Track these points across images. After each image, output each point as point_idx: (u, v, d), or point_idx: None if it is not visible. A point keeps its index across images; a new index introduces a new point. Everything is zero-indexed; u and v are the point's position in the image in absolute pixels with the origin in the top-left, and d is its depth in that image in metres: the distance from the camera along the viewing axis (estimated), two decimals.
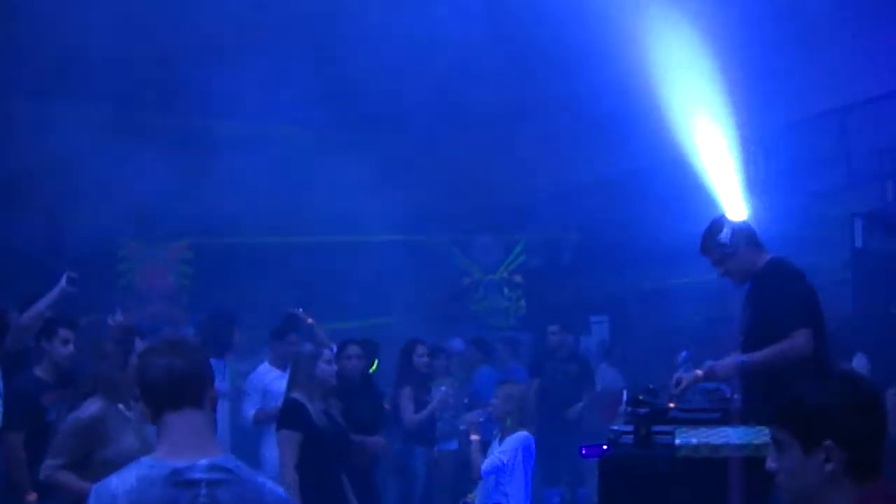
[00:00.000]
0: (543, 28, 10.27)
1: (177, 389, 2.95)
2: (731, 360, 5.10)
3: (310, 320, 8.46)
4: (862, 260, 8.61)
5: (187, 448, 2.90)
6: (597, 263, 12.30)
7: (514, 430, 6.51)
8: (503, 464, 6.41)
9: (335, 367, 6.48)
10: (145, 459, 2.94)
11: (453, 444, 9.03)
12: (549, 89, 11.37)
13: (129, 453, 4.37)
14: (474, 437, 6.62)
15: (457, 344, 10.84)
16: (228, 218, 11.86)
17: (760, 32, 9.62)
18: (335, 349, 7.40)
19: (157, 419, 2.96)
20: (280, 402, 6.58)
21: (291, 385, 6.33)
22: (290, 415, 6.15)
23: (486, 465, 6.44)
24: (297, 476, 5.92)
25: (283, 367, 7.87)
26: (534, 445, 6.63)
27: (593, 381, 10.12)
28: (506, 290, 12.74)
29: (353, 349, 7.75)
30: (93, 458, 4.90)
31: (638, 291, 12.24)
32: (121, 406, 5.11)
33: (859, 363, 7.97)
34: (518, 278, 12.72)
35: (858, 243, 8.47)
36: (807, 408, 2.51)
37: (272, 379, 8.02)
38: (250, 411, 8.02)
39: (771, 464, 2.60)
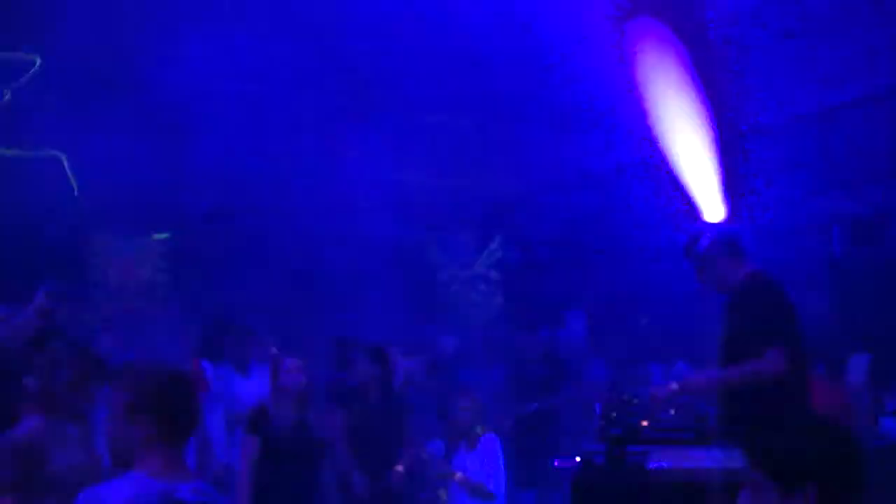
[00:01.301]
0: (524, 21, 10.23)
1: (191, 422, 3.18)
2: (704, 376, 5.09)
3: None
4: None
5: (173, 470, 3.05)
6: (574, 260, 12.23)
7: (481, 434, 6.51)
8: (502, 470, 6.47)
9: (302, 376, 6.36)
10: (137, 475, 3.04)
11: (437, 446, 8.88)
12: (526, 82, 11.32)
13: (75, 471, 4.25)
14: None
15: (449, 342, 10.75)
16: (206, 210, 11.80)
17: (745, 31, 9.58)
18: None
19: (149, 441, 3.06)
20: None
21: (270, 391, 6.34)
22: (252, 419, 6.17)
23: (494, 484, 6.42)
24: (256, 480, 5.92)
25: (244, 372, 7.85)
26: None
27: (569, 380, 10.02)
28: (482, 286, 12.66)
29: (360, 357, 7.47)
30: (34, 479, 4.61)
31: (616, 289, 12.19)
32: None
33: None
34: (494, 274, 12.64)
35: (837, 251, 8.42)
36: (788, 455, 2.48)
37: (235, 384, 7.92)
38: (215, 416, 7.89)
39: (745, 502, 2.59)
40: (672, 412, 4.90)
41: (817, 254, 8.95)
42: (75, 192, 11.17)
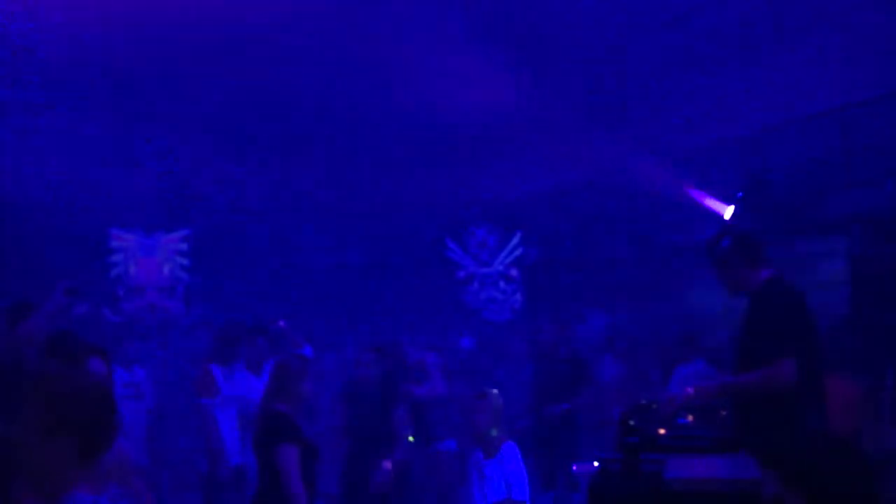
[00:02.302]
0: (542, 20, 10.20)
1: (111, 440, 2.85)
2: (716, 382, 5.11)
3: (281, 322, 8.34)
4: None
5: (93, 482, 3.01)
6: (594, 258, 12.21)
7: (500, 441, 6.51)
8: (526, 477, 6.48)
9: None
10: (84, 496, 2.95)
11: (452, 444, 8.90)
12: (546, 81, 11.29)
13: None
14: None
15: (466, 342, 10.77)
16: (225, 209, 11.86)
17: (760, 27, 9.53)
18: (309, 351, 7.40)
19: (69, 463, 2.75)
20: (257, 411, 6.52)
21: (276, 396, 6.22)
22: (284, 428, 6.07)
23: (519, 492, 6.44)
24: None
25: (256, 372, 7.86)
26: None
27: (590, 380, 9.97)
28: (502, 284, 12.67)
29: (367, 356, 7.71)
30: None
31: (635, 286, 12.16)
32: None
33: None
34: (514, 272, 12.65)
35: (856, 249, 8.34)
36: (825, 477, 2.51)
37: (249, 385, 7.92)
38: (228, 418, 7.90)
39: None
40: (690, 418, 4.88)
41: (837, 253, 8.88)
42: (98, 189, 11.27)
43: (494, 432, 6.55)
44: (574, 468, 4.71)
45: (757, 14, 8.83)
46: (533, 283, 12.78)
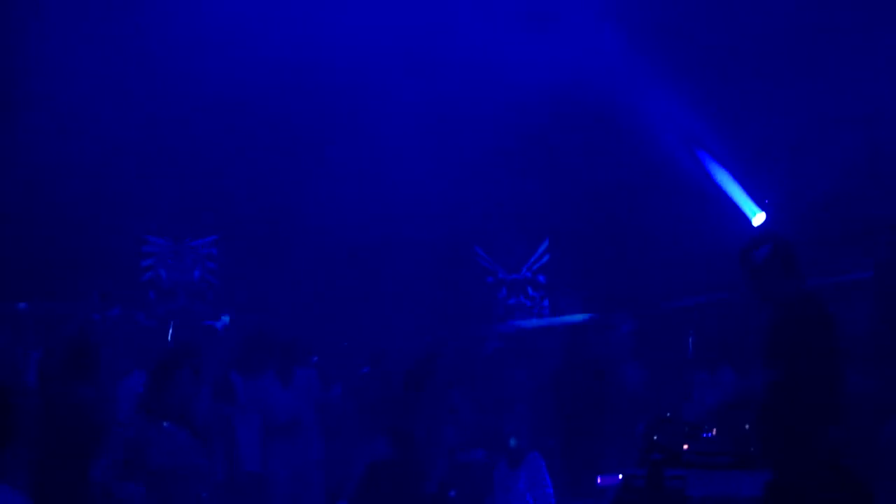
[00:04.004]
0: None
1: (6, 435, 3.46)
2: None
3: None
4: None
5: None
6: (622, 265, 12.18)
7: (525, 451, 6.55)
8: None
9: None
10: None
11: (479, 454, 8.86)
12: (575, 87, 11.33)
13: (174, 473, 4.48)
14: None
15: (489, 347, 10.78)
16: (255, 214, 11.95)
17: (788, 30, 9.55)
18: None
19: None
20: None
21: None
22: None
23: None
24: None
25: (285, 382, 7.93)
26: None
27: (615, 389, 9.94)
28: (530, 290, 12.68)
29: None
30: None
31: (664, 292, 12.13)
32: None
33: None
34: (542, 278, 12.66)
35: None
36: None
37: (273, 395, 7.99)
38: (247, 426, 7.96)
39: None
40: (714, 432, 4.90)
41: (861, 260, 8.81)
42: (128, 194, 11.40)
43: (514, 442, 6.59)
44: (598, 481, 4.72)
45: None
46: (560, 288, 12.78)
